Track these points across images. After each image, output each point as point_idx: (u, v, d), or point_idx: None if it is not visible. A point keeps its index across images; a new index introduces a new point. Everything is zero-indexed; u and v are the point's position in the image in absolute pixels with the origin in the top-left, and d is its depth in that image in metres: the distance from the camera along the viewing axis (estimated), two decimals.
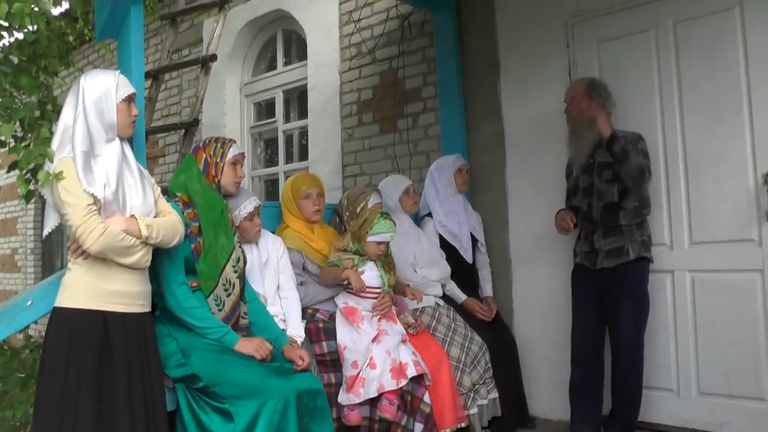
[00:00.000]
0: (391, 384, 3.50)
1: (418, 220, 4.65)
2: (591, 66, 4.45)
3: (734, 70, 3.89)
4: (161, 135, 7.58)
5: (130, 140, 2.97)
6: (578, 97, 3.99)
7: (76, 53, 8.53)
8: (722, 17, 3.93)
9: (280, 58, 7.07)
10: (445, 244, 4.51)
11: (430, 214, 4.59)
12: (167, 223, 2.86)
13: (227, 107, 7.26)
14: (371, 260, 3.85)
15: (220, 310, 3.13)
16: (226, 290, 3.16)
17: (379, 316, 3.75)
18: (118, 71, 2.92)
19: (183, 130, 5.65)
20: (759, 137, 3.80)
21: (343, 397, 3.55)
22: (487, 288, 4.71)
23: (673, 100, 4.12)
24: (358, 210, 4.00)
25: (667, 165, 4.13)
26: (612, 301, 3.87)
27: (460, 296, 4.47)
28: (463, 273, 4.54)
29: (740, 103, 3.86)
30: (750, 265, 3.83)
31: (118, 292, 2.73)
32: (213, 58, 5.57)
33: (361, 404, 3.52)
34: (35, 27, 3.16)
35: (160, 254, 2.94)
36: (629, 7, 4.31)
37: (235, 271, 3.22)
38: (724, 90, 3.92)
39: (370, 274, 3.82)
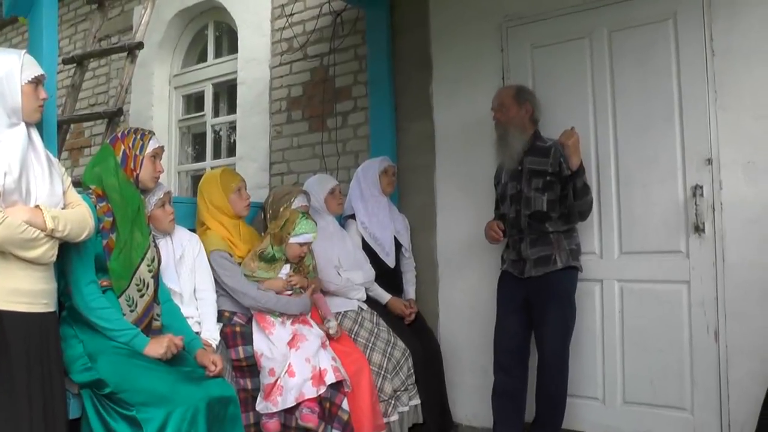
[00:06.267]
0: (311, 392, 3.41)
1: (342, 221, 4.55)
2: (524, 71, 4.43)
3: (666, 79, 3.91)
4: (87, 125, 7.34)
5: (40, 127, 2.78)
6: (507, 102, 3.97)
7: None
8: (656, 27, 3.95)
9: (210, 51, 6.89)
10: (367, 247, 4.42)
11: (353, 216, 4.49)
12: (76, 216, 2.67)
13: (155, 99, 7.03)
14: (287, 263, 3.75)
15: (132, 311, 2.97)
16: (139, 290, 3.01)
17: (292, 320, 3.62)
18: (24, 51, 2.71)
19: (107, 120, 5.43)
20: (689, 146, 3.82)
21: (260, 405, 3.43)
22: (410, 291, 4.65)
23: (606, 107, 4.12)
24: (280, 210, 3.86)
25: (599, 173, 4.12)
26: (538, 308, 3.84)
27: (385, 296, 4.39)
28: (386, 276, 4.44)
29: (671, 111, 3.89)
30: (677, 277, 3.85)
31: (17, 290, 2.53)
32: (139, 45, 5.36)
33: (278, 411, 3.41)
34: None
35: (68, 250, 2.76)
36: (564, 14, 4.29)
37: (150, 271, 3.07)
38: (657, 98, 3.94)
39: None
